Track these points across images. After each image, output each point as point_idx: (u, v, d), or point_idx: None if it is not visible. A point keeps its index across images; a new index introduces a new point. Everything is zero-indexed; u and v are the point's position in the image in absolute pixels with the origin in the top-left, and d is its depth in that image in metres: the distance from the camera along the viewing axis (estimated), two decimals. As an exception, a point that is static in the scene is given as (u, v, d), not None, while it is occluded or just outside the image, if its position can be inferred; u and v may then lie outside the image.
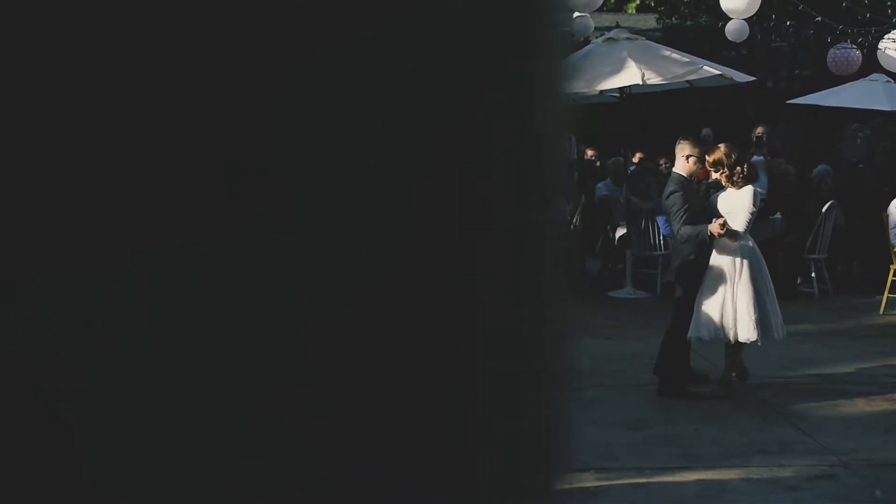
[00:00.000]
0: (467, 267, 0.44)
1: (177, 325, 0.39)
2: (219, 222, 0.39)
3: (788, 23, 15.30)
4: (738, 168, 8.05)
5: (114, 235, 0.39)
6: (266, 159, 0.40)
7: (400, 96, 0.42)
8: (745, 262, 8.04)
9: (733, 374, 8.39)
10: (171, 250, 0.39)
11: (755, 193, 8.05)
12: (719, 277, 8.11)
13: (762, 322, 7.98)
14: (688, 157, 8.42)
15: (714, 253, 8.14)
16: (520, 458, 0.49)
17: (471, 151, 0.44)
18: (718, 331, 8.07)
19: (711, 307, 8.09)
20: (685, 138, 8.74)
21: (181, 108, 0.39)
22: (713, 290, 8.11)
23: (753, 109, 18.19)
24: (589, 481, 6.45)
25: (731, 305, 8.03)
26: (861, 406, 8.17)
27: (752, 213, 8.02)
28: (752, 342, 8.06)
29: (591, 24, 15.33)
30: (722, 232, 8.01)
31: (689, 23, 21.22)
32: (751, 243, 8.11)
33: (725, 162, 8.10)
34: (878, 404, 8.19)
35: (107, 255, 0.39)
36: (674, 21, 22.13)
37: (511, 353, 0.47)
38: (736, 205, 8.03)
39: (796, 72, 21.86)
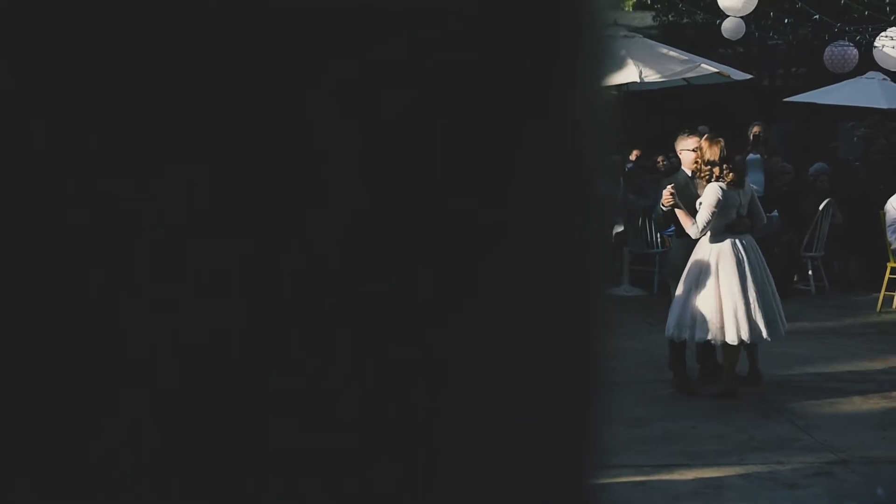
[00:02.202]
0: (486, 267, 0.44)
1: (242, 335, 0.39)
2: (279, 232, 0.40)
3: (786, 20, 15.30)
4: (707, 167, 8.05)
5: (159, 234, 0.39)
6: (325, 165, 0.40)
7: (456, 99, 0.42)
8: (722, 261, 8.04)
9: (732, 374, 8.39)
10: (231, 261, 0.39)
11: (715, 193, 8.00)
12: (695, 276, 8.14)
13: (747, 321, 7.97)
14: (680, 151, 8.63)
15: (694, 251, 8.18)
16: (570, 458, 0.49)
17: (488, 151, 0.44)
18: (689, 329, 8.11)
19: (687, 306, 8.15)
20: (681, 133, 8.81)
21: (236, 111, 0.39)
22: (689, 289, 8.15)
23: (750, 107, 18.19)
24: (587, 479, 6.44)
25: (710, 305, 8.04)
26: (858, 403, 8.18)
27: (710, 211, 7.99)
28: (745, 342, 8.06)
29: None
30: (668, 203, 8.27)
31: (686, 20, 21.22)
32: (727, 242, 8.05)
33: (698, 156, 8.15)
34: (876, 402, 8.20)
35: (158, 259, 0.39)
36: (671, 18, 22.12)
37: (565, 356, 0.48)
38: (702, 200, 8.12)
39: (793, 70, 21.85)
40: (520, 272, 0.45)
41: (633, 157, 15.42)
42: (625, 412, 7.85)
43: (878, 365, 9.34)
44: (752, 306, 7.97)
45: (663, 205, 8.40)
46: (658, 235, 12.83)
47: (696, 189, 8.24)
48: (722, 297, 7.99)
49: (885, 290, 11.81)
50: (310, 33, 0.40)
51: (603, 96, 0.49)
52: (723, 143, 8.08)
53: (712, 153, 7.99)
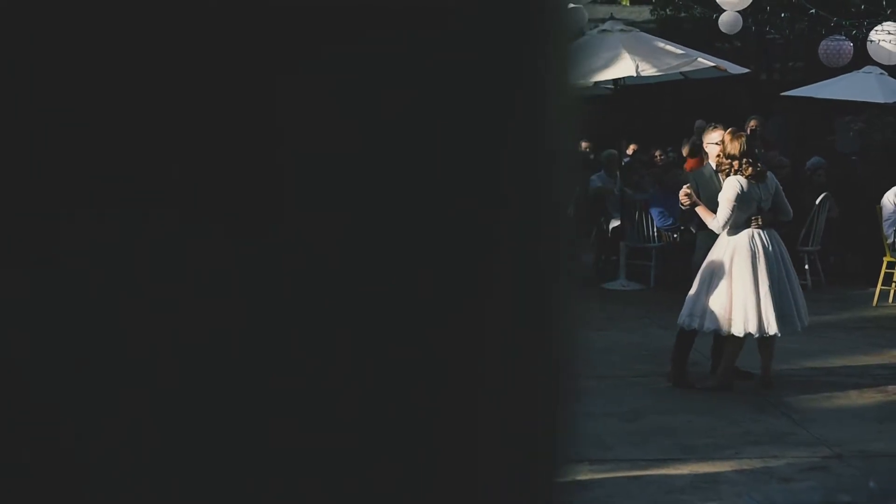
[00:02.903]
0: (485, 267, 0.44)
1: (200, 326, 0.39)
2: (241, 226, 0.39)
3: (783, 14, 15.29)
4: (728, 160, 8.06)
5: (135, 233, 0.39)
6: (284, 164, 0.40)
7: (417, 97, 0.42)
8: (737, 254, 8.06)
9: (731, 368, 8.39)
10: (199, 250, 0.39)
11: (734, 187, 8.01)
12: (711, 269, 8.16)
13: (756, 314, 7.99)
14: (706, 145, 8.68)
15: (714, 244, 8.19)
16: (532, 452, 0.49)
17: (488, 151, 0.44)
18: (699, 319, 8.13)
19: (700, 296, 8.17)
20: (708, 127, 8.82)
21: (196, 108, 0.39)
22: (704, 280, 8.18)
23: (747, 101, 18.19)
24: (583, 473, 6.46)
25: (722, 297, 8.06)
26: (854, 397, 8.20)
27: (730, 206, 8.00)
28: (752, 335, 8.07)
29: (586, 15, 15.32)
30: (686, 202, 8.30)
31: (683, 14, 21.21)
32: (744, 236, 8.07)
33: (721, 150, 8.15)
34: (871, 396, 8.22)
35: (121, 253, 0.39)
36: (668, 13, 22.11)
37: (527, 348, 0.48)
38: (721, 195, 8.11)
39: (790, 64, 21.85)
40: (501, 273, 0.45)
41: (629, 151, 15.43)
42: (620, 406, 7.87)
43: (875, 359, 9.36)
44: (762, 300, 7.98)
45: (682, 204, 8.42)
46: (655, 230, 12.84)
47: (719, 183, 8.25)
48: (733, 289, 8.01)
49: (882, 285, 11.83)
50: (288, 31, 0.40)
51: (572, 95, 0.49)
52: (745, 138, 8.10)
53: (733, 147, 8.01)
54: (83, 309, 0.37)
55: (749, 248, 8.04)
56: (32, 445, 0.37)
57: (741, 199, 7.98)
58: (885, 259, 11.88)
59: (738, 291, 8.01)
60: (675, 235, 12.89)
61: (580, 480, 6.37)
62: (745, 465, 6.63)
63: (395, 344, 0.41)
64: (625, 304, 11.67)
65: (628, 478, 6.43)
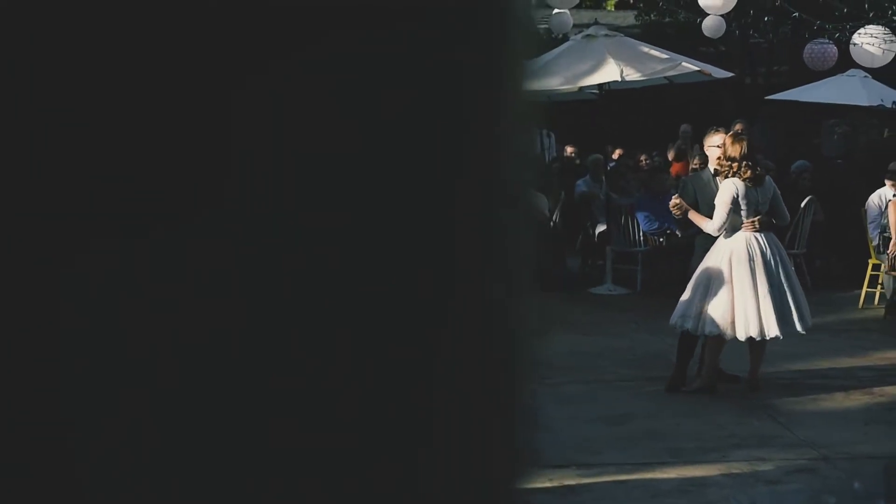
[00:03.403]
0: (436, 263, 0.44)
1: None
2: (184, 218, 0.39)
3: (766, 18, 15.35)
4: (727, 163, 8.08)
5: (106, 230, 0.39)
6: (234, 159, 0.40)
7: (371, 97, 0.42)
8: (734, 258, 8.07)
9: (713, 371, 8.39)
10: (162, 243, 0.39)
11: (730, 190, 8.02)
12: (708, 272, 8.19)
13: (757, 318, 8.00)
14: (707, 147, 8.70)
15: (711, 248, 8.21)
16: (486, 457, 0.49)
17: (441, 150, 0.44)
18: (693, 321, 8.15)
19: (694, 298, 8.18)
20: (709, 130, 8.83)
21: (160, 106, 0.39)
22: (699, 283, 8.20)
23: (732, 105, 18.25)
24: (570, 478, 6.47)
25: (721, 301, 8.08)
26: (840, 400, 8.22)
27: (726, 209, 8.03)
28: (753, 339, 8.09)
29: (570, 20, 15.35)
30: (677, 212, 8.35)
31: (668, 19, 21.27)
32: (741, 239, 8.08)
33: (721, 152, 8.16)
34: (857, 398, 8.24)
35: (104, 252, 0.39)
36: (652, 17, 22.18)
37: (477, 350, 0.48)
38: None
39: (775, 68, 21.93)
40: (463, 278, 0.45)
41: (615, 155, 15.46)
42: (607, 410, 7.88)
43: (860, 361, 9.39)
44: (762, 303, 8.00)
45: (674, 214, 8.48)
46: (641, 234, 12.86)
47: (717, 187, 8.27)
48: (734, 294, 8.03)
49: (867, 287, 11.87)
50: (247, 34, 0.40)
51: (525, 89, 0.50)
52: (747, 141, 8.09)
53: (734, 150, 8.02)
54: (83, 309, 0.37)
55: (746, 252, 8.05)
56: (32, 445, 0.37)
57: (737, 203, 8.00)
58: (870, 262, 11.93)
59: (739, 296, 8.02)
60: (661, 239, 12.91)
61: (567, 485, 6.37)
62: (732, 468, 6.64)
63: (395, 344, 0.41)
64: (612, 308, 11.69)
65: (615, 482, 6.43)
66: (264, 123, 0.40)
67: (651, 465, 6.70)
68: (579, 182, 14.04)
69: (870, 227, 12.00)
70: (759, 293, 8.01)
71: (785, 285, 8.13)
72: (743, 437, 7.24)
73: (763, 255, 8.06)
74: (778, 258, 8.16)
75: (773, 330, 8.01)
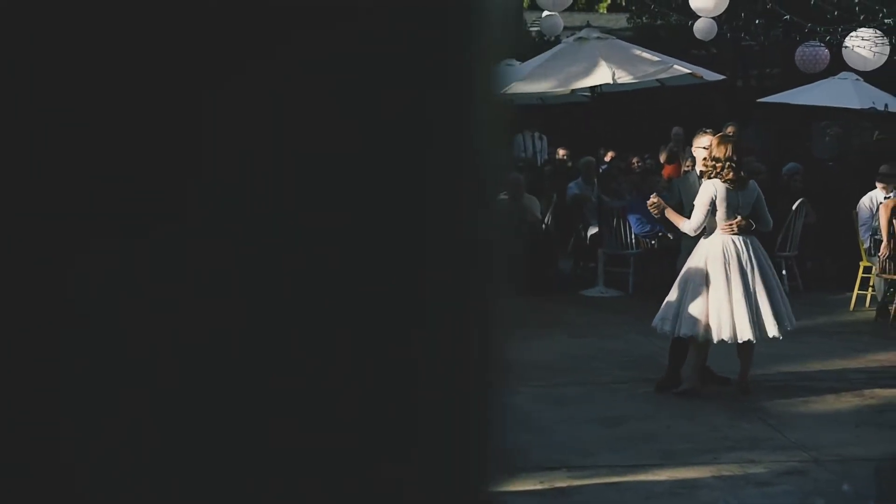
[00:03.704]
0: (405, 265, 0.44)
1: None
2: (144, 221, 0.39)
3: (757, 21, 15.38)
4: (712, 163, 8.10)
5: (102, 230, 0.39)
6: (203, 160, 0.40)
7: (341, 96, 0.42)
8: (711, 260, 8.09)
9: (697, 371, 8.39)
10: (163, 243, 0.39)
11: (709, 192, 8.05)
12: (688, 275, 8.21)
13: (730, 320, 8.01)
14: (695, 149, 8.70)
15: (693, 250, 8.23)
16: (457, 460, 0.49)
17: (411, 151, 0.44)
18: (670, 322, 8.17)
19: (672, 301, 8.21)
20: (699, 131, 8.83)
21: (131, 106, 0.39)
22: (680, 286, 8.22)
23: (724, 108, 18.28)
24: (562, 480, 6.47)
25: (699, 303, 8.09)
26: (831, 402, 8.22)
27: (703, 209, 8.06)
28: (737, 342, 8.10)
29: (561, 22, 15.36)
30: (654, 211, 8.40)
31: (659, 22, 21.30)
32: (719, 241, 8.09)
33: (708, 153, 8.18)
34: (848, 400, 8.25)
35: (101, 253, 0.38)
36: (645, 20, 22.20)
37: (454, 351, 0.48)
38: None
39: (767, 70, 21.97)
40: (429, 283, 0.45)
41: (607, 158, 15.47)
42: (600, 412, 7.88)
43: (852, 363, 9.41)
44: (735, 306, 8.01)
45: (652, 213, 8.52)
46: (633, 236, 12.87)
47: (691, 188, 8.31)
48: (709, 295, 8.05)
49: (858, 289, 11.89)
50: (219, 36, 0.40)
51: (495, 93, 0.50)
52: (733, 143, 8.10)
53: (719, 151, 8.05)
54: (83, 309, 0.37)
55: (722, 254, 8.07)
56: (32, 445, 0.37)
57: (717, 204, 8.02)
58: (862, 264, 11.95)
59: (713, 298, 8.05)
60: (653, 242, 12.92)
61: (558, 487, 6.37)
62: (724, 470, 6.64)
63: (394, 344, 0.41)
64: (604, 311, 11.69)
65: (607, 484, 6.43)
66: (240, 124, 0.40)
67: (643, 466, 6.70)
68: (571, 185, 14.05)
69: (861, 230, 12.03)
70: (733, 296, 8.01)
71: (761, 289, 8.09)
72: (735, 440, 7.25)
73: (739, 257, 8.06)
74: (755, 262, 8.13)
75: (745, 333, 8.00)
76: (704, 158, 8.25)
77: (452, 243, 0.47)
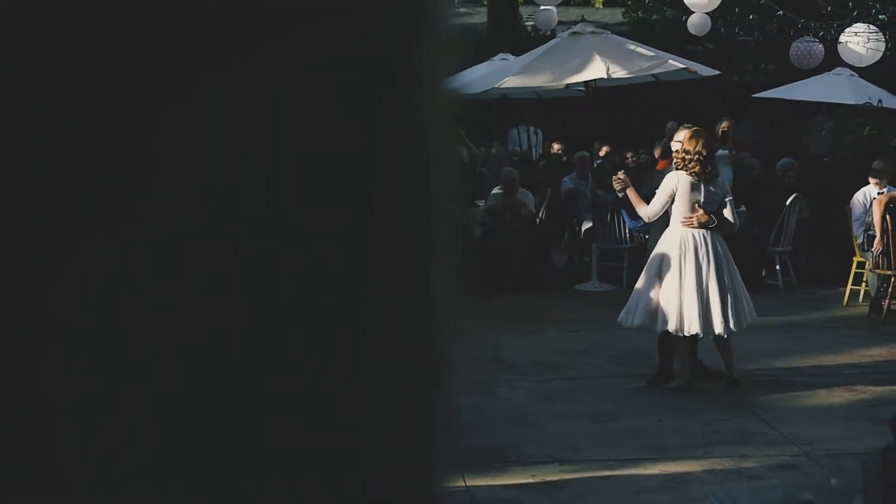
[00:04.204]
0: (354, 266, 0.44)
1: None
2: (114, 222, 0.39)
3: (751, 16, 15.38)
4: (681, 155, 8.13)
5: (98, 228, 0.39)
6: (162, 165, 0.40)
7: (295, 96, 0.42)
8: (667, 254, 8.12)
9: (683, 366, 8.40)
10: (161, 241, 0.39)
11: (671, 182, 8.11)
12: (647, 267, 8.25)
13: (697, 314, 8.01)
14: (673, 142, 8.72)
15: (659, 241, 8.26)
16: (406, 459, 0.49)
17: (362, 150, 0.44)
18: (632, 316, 8.20)
19: (636, 294, 8.26)
20: (681, 126, 8.85)
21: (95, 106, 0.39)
22: (645, 278, 8.25)
23: (720, 103, 18.29)
24: (553, 474, 6.48)
25: (652, 296, 8.13)
26: (823, 396, 8.25)
27: (662, 199, 8.10)
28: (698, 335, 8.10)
29: (555, 17, 15.35)
30: (618, 186, 8.61)
31: (655, 16, 21.29)
32: (678, 234, 8.10)
33: (681, 146, 8.20)
34: (840, 394, 8.27)
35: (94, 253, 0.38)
36: (640, 15, 22.19)
37: (396, 353, 0.48)
38: None
39: (762, 66, 21.97)
40: (381, 280, 0.45)
41: (602, 152, 15.47)
42: (592, 407, 7.90)
43: (844, 358, 9.43)
44: (685, 300, 8.00)
45: (618, 191, 8.57)
46: (627, 231, 12.88)
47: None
48: (662, 287, 8.09)
49: (852, 284, 11.91)
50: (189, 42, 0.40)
51: (448, 90, 0.50)
52: (704, 138, 8.10)
53: (690, 144, 8.07)
54: (83, 309, 0.37)
55: (679, 247, 8.08)
56: (32, 445, 0.37)
57: (678, 195, 8.04)
58: (855, 259, 11.97)
59: (665, 289, 8.08)
60: (646, 236, 12.91)
61: (550, 481, 6.38)
62: (715, 464, 6.66)
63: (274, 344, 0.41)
64: (597, 305, 11.70)
65: (598, 478, 6.45)
66: (239, 123, 0.40)
67: (635, 461, 6.72)
68: (565, 179, 14.06)
69: (854, 225, 12.04)
70: (684, 290, 8.02)
71: (714, 284, 8.05)
72: (726, 434, 7.27)
73: (696, 251, 8.05)
74: (712, 257, 8.10)
75: (693, 327, 8.01)
76: (676, 151, 8.30)
77: (405, 243, 0.47)
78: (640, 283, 8.32)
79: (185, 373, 0.39)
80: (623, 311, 8.37)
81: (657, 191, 8.18)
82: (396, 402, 0.47)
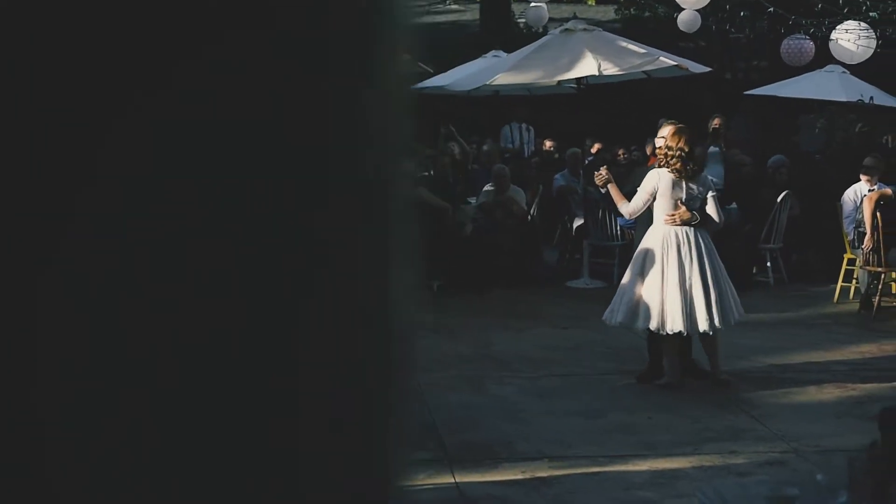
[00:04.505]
0: (301, 258, 0.44)
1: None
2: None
3: (742, 13, 15.39)
4: (664, 152, 8.13)
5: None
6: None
7: (233, 90, 0.42)
8: (649, 251, 8.12)
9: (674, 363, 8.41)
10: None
11: (652, 179, 8.11)
12: (631, 265, 8.26)
13: (679, 311, 8.01)
14: (658, 138, 8.73)
15: (643, 238, 8.25)
16: (363, 454, 0.49)
17: (307, 141, 0.44)
18: (614, 315, 8.21)
19: (620, 291, 8.27)
20: (666, 122, 8.84)
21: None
22: (630, 275, 8.26)
23: (712, 100, 18.30)
24: (542, 470, 6.49)
25: (634, 293, 8.14)
26: (813, 393, 8.26)
27: (643, 196, 8.11)
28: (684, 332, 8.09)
29: (546, 14, 15.34)
30: (599, 181, 8.55)
31: (647, 14, 21.30)
32: (660, 231, 8.11)
33: (665, 143, 8.20)
34: (830, 391, 8.29)
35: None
36: (632, 12, 22.19)
37: (348, 348, 0.48)
38: None
39: (755, 63, 22.00)
40: (325, 274, 0.45)
41: (594, 150, 15.48)
42: (582, 404, 7.90)
43: (834, 355, 9.45)
44: (666, 298, 8.00)
45: (600, 186, 8.57)
46: (618, 228, 12.89)
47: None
48: (644, 284, 8.09)
49: (842, 281, 11.93)
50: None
51: (397, 81, 0.50)
52: (687, 136, 8.03)
53: (672, 141, 8.04)
54: (84, 309, 0.37)
55: (661, 244, 8.06)
56: (32, 445, 0.37)
57: (659, 193, 8.03)
58: (846, 256, 11.99)
59: (647, 286, 8.08)
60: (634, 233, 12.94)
61: (539, 477, 6.39)
62: (704, 460, 6.68)
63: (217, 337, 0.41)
64: (588, 302, 11.69)
65: (587, 474, 6.46)
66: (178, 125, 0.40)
67: (624, 457, 6.73)
68: (557, 176, 14.06)
69: (845, 222, 12.06)
70: (667, 287, 8.00)
71: (697, 282, 8.03)
72: (716, 431, 7.28)
73: (678, 248, 8.02)
74: (695, 254, 8.07)
75: (676, 325, 8.01)
76: (659, 147, 8.30)
77: (358, 244, 0.47)
78: (623, 281, 8.31)
79: (185, 373, 0.39)
80: (608, 310, 8.37)
81: (639, 188, 8.17)
82: (341, 404, 0.47)
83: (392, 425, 0.50)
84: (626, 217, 8.28)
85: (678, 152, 7.95)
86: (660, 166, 8.12)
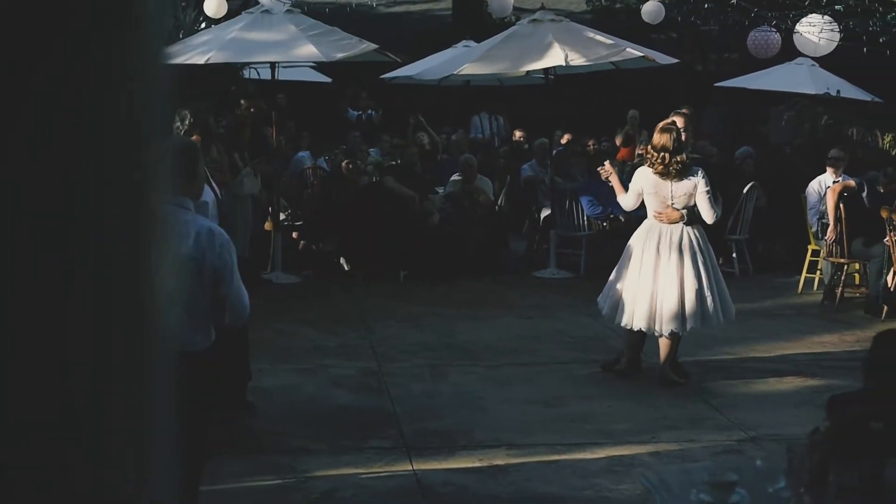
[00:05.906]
0: (55, 259, 0.44)
1: None
2: None
3: (706, 5, 15.42)
4: (649, 149, 8.14)
5: None
6: None
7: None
8: (634, 247, 8.14)
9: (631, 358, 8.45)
10: None
11: (638, 179, 8.12)
12: (623, 257, 8.28)
13: (644, 310, 8.03)
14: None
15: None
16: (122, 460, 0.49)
17: (56, 143, 0.44)
18: (611, 311, 8.24)
19: (612, 286, 8.30)
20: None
21: None
22: (617, 270, 8.29)
23: (682, 91, 18.33)
24: (500, 457, 6.52)
25: (616, 286, 8.19)
26: (773, 383, 8.32)
27: (632, 194, 8.14)
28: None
29: (510, 4, 15.34)
30: (603, 175, 8.43)
31: (618, 5, 21.31)
32: (644, 228, 8.14)
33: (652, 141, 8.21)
34: (790, 381, 8.34)
35: None
36: (604, 3, 22.20)
37: (105, 348, 0.48)
38: None
39: (725, 55, 22.04)
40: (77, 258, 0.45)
41: (564, 140, 15.49)
42: (543, 392, 7.93)
43: (795, 346, 9.51)
44: (638, 294, 8.03)
45: (603, 179, 8.58)
46: (585, 218, 12.91)
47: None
48: (623, 278, 8.14)
49: (807, 272, 11.99)
50: None
51: (155, 66, 0.50)
52: (670, 134, 7.95)
53: (657, 139, 8.02)
54: (83, 309, 0.37)
55: (643, 240, 8.08)
56: (32, 445, 0.37)
57: (644, 192, 8.04)
58: (810, 247, 12.05)
59: (626, 280, 8.12)
60: (604, 224, 12.98)
61: (496, 465, 6.41)
62: (662, 448, 6.73)
63: None
64: (554, 292, 11.74)
65: (545, 462, 6.49)
66: None
67: (582, 445, 6.77)
68: (525, 166, 14.07)
69: (809, 214, 12.12)
70: (641, 283, 8.03)
71: (674, 283, 8.00)
72: (675, 419, 7.33)
73: (657, 246, 8.02)
74: (674, 254, 8.02)
75: (638, 322, 8.03)
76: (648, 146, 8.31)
77: (115, 239, 0.47)
78: (612, 274, 8.33)
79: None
80: (599, 300, 8.43)
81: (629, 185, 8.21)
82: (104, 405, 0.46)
83: (150, 426, 0.50)
84: (625, 209, 8.31)
85: (660, 152, 7.91)
86: (647, 166, 8.10)
